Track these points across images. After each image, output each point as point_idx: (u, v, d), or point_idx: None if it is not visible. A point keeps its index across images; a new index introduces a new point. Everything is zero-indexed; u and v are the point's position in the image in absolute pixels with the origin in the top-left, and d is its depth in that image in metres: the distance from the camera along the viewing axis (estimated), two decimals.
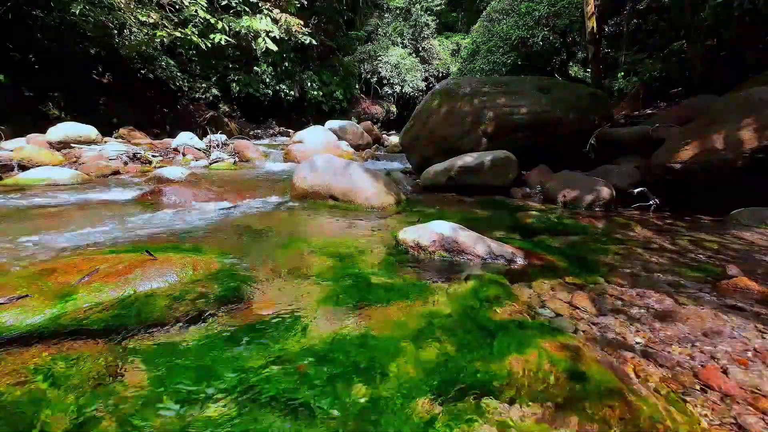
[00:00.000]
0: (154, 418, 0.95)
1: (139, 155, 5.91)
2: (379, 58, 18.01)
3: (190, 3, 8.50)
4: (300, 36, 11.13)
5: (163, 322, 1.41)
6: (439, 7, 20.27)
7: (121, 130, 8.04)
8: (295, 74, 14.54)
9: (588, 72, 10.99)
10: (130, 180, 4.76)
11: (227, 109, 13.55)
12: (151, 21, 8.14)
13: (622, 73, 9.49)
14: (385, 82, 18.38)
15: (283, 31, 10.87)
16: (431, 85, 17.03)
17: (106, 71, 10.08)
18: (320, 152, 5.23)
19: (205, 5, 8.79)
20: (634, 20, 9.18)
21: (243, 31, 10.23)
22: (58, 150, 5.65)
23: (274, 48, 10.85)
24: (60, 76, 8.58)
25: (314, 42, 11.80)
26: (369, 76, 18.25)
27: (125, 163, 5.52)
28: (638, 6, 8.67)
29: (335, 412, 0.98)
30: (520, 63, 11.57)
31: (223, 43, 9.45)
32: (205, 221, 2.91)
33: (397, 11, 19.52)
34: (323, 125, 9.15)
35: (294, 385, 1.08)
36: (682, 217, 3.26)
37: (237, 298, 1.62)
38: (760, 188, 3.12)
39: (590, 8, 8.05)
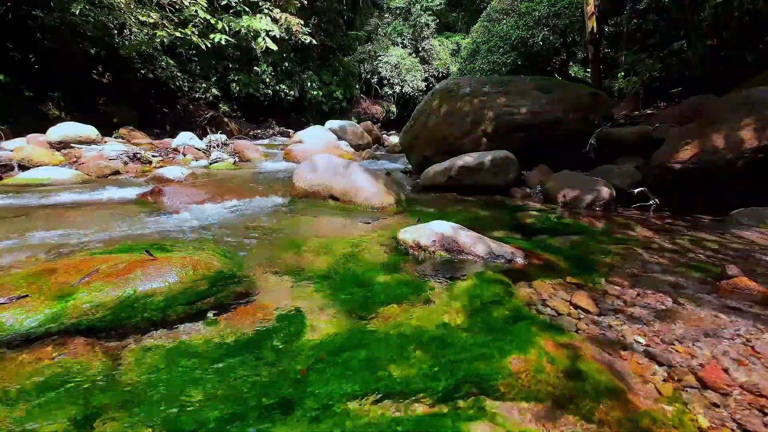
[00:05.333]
0: (153, 416, 0.95)
1: (139, 155, 5.91)
2: (379, 58, 18.00)
3: (190, 3, 8.50)
4: (300, 36, 11.13)
5: (164, 322, 1.41)
6: (439, 7, 20.26)
7: (121, 130, 8.03)
8: (295, 74, 14.54)
9: (588, 72, 10.99)
10: (130, 180, 4.76)
11: (227, 109, 13.54)
12: (151, 21, 8.14)
13: (622, 73, 9.48)
14: (385, 82, 18.37)
15: (283, 30, 10.87)
16: (431, 85, 17.02)
17: (106, 71, 10.09)
18: (320, 152, 5.24)
19: (205, 5, 8.79)
20: (634, 20, 9.17)
21: (243, 30, 10.22)
22: (58, 150, 5.65)
23: (274, 47, 10.85)
24: (60, 76, 8.58)
25: (314, 42, 11.80)
26: (369, 76, 18.24)
27: (125, 163, 5.51)
28: (638, 6, 8.66)
29: (336, 412, 0.98)
30: (520, 63, 11.56)
31: (223, 43, 9.45)
32: (205, 221, 2.91)
33: (397, 11, 19.51)
34: (323, 125, 9.15)
35: (294, 386, 1.08)
36: (682, 217, 3.26)
37: (237, 298, 1.62)
38: (760, 188, 3.12)
39: (590, 8, 8.05)
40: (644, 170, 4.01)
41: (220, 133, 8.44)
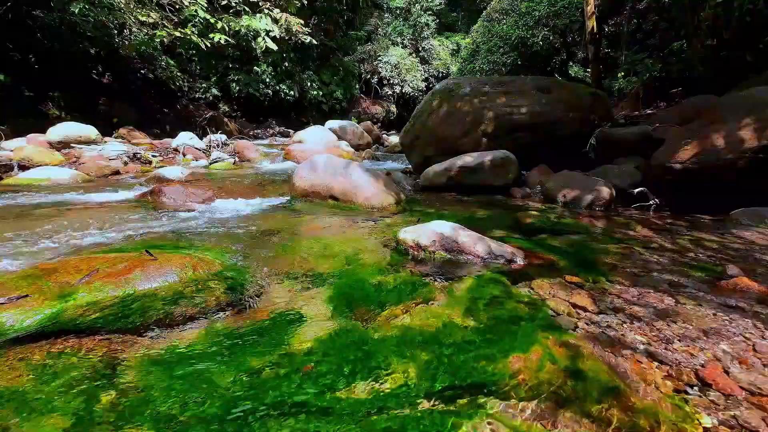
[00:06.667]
0: (152, 417, 0.95)
1: (139, 155, 5.91)
2: (379, 58, 18.00)
3: (190, 3, 8.51)
4: (300, 36, 11.13)
5: (164, 322, 1.41)
6: (439, 7, 20.26)
7: (121, 130, 8.04)
8: (295, 74, 14.53)
9: (588, 72, 10.99)
10: (130, 180, 4.76)
11: (227, 109, 13.55)
12: (151, 21, 8.15)
13: (622, 73, 9.48)
14: (385, 82, 18.37)
15: (283, 30, 10.87)
16: (431, 85, 17.02)
17: (106, 71, 10.10)
18: (320, 152, 5.24)
19: (205, 5, 8.79)
20: (634, 20, 9.19)
21: (243, 30, 10.23)
22: (58, 150, 5.65)
23: (274, 47, 10.85)
24: (60, 76, 8.59)
25: (314, 42, 11.79)
26: (369, 76, 18.25)
27: (125, 163, 5.51)
28: (638, 6, 8.67)
29: (337, 412, 0.98)
30: (520, 63, 11.58)
31: (223, 42, 9.45)
32: (205, 221, 2.91)
33: (397, 11, 19.51)
34: (323, 125, 9.15)
35: (295, 387, 1.08)
36: (682, 217, 3.26)
37: (237, 298, 1.62)
38: (760, 188, 3.12)
39: (590, 8, 8.06)
40: (644, 170, 4.01)
41: (220, 133, 8.44)
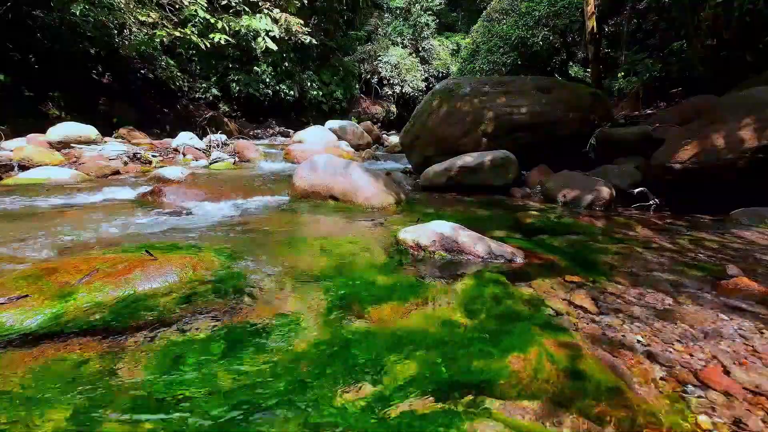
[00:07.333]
0: (152, 418, 0.95)
1: (139, 155, 5.91)
2: (379, 58, 18.01)
3: (190, 3, 8.51)
4: (300, 36, 11.13)
5: (163, 322, 1.41)
6: (439, 7, 20.27)
7: (121, 130, 8.03)
8: (295, 74, 14.53)
9: (588, 72, 10.99)
10: (130, 180, 4.76)
11: (227, 109, 13.55)
12: (151, 21, 8.15)
13: (622, 73, 9.48)
14: (385, 82, 18.37)
15: (283, 30, 10.87)
16: (431, 85, 17.01)
17: (106, 71, 10.10)
18: (320, 152, 5.24)
19: (205, 5, 8.79)
20: (634, 20, 9.19)
21: (243, 30, 10.23)
22: (58, 150, 5.65)
23: (274, 47, 10.85)
24: (60, 76, 8.59)
25: (314, 42, 11.79)
26: (369, 76, 18.25)
27: (125, 163, 5.51)
28: (638, 6, 8.68)
29: (336, 412, 0.98)
30: (520, 63, 11.58)
31: (222, 42, 9.44)
32: (205, 221, 2.91)
33: (397, 11, 19.51)
34: (323, 125, 9.16)
35: (294, 386, 1.08)
36: (682, 217, 3.26)
37: (237, 298, 1.62)
38: (760, 188, 3.12)
39: (590, 8, 8.06)
40: (644, 170, 4.01)
41: (220, 133, 8.44)
